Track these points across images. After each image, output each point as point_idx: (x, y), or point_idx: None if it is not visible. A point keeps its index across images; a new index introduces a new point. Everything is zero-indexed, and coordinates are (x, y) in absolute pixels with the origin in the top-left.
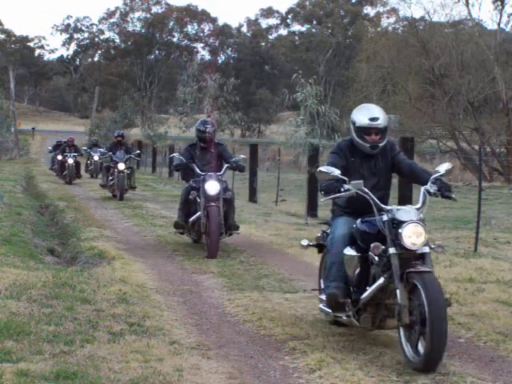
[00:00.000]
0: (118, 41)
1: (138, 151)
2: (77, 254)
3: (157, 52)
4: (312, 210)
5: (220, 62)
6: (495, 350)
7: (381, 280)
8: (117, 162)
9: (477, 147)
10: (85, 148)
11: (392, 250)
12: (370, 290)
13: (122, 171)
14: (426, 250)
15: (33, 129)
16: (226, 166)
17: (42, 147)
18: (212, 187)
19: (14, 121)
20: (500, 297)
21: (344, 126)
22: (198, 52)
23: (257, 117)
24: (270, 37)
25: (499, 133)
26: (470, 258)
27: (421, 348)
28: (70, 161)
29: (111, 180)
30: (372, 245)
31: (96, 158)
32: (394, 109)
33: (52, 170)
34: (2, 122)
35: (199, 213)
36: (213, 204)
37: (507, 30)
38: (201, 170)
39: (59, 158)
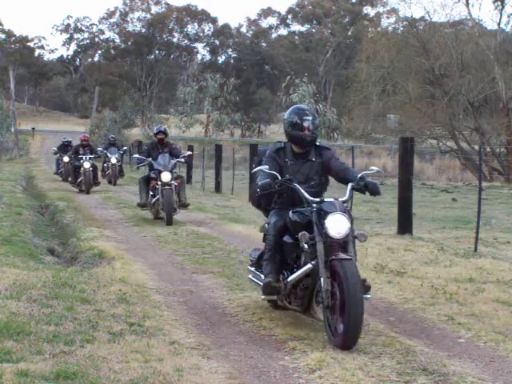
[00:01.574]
0: (118, 41)
1: (190, 152)
2: (77, 254)
3: (157, 52)
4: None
5: (220, 62)
6: (495, 350)
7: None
8: (160, 171)
9: (477, 147)
10: (100, 149)
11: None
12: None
13: (168, 184)
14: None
15: (33, 129)
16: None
17: (42, 147)
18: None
19: (14, 121)
20: (500, 297)
21: (343, 125)
22: (197, 52)
23: (257, 117)
24: (270, 37)
25: (499, 133)
26: (470, 258)
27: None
28: (87, 165)
29: (152, 196)
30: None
31: (114, 160)
32: (394, 109)
33: (58, 174)
34: (2, 122)
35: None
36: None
37: (507, 30)
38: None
39: (65, 159)
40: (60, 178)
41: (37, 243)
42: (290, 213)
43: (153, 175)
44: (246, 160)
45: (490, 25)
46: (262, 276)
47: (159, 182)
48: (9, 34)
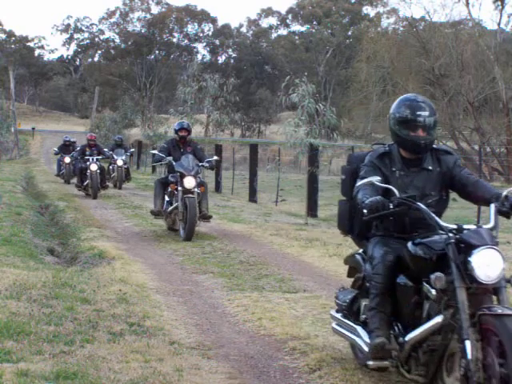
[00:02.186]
0: (118, 41)
1: (216, 157)
2: (77, 254)
3: (157, 52)
4: (312, 210)
5: (220, 62)
6: None
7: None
8: (182, 175)
9: (477, 147)
10: (106, 150)
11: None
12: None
13: (191, 191)
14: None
15: (33, 129)
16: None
17: (42, 147)
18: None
19: (14, 121)
20: None
21: (342, 125)
22: (197, 52)
23: (257, 117)
24: (270, 37)
25: (499, 133)
26: None
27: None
28: (94, 167)
29: (169, 203)
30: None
31: (120, 162)
32: None
33: (59, 176)
34: (2, 122)
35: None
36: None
37: (507, 30)
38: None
39: (66, 160)
40: (62, 180)
41: (37, 243)
42: (410, 244)
43: (172, 179)
44: (246, 160)
45: (490, 25)
46: (359, 328)
47: (180, 188)
48: (9, 33)
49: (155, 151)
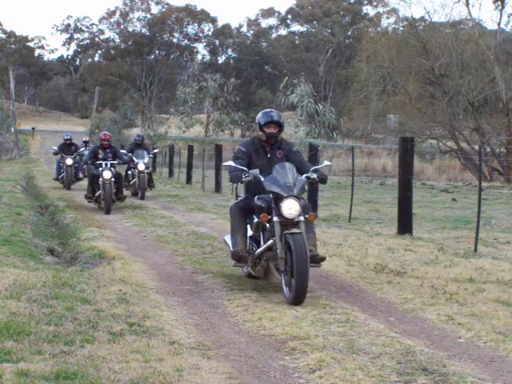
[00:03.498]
0: (117, 41)
1: (328, 162)
2: (77, 254)
3: (157, 52)
4: (312, 209)
5: (220, 62)
6: (495, 350)
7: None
8: (278, 198)
9: (477, 147)
10: (124, 152)
11: (275, 219)
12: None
13: (293, 222)
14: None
15: (33, 129)
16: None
17: (42, 147)
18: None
19: (14, 121)
20: (500, 297)
21: (342, 125)
22: (197, 52)
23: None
24: (270, 37)
25: (499, 133)
26: (469, 258)
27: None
28: (107, 174)
29: (253, 239)
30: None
31: (142, 166)
32: (393, 109)
33: (58, 180)
34: (2, 122)
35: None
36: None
37: (507, 30)
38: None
39: (68, 162)
40: (61, 184)
41: (37, 243)
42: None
43: (260, 203)
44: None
45: (490, 25)
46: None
47: (276, 219)
48: (9, 34)
49: (229, 162)
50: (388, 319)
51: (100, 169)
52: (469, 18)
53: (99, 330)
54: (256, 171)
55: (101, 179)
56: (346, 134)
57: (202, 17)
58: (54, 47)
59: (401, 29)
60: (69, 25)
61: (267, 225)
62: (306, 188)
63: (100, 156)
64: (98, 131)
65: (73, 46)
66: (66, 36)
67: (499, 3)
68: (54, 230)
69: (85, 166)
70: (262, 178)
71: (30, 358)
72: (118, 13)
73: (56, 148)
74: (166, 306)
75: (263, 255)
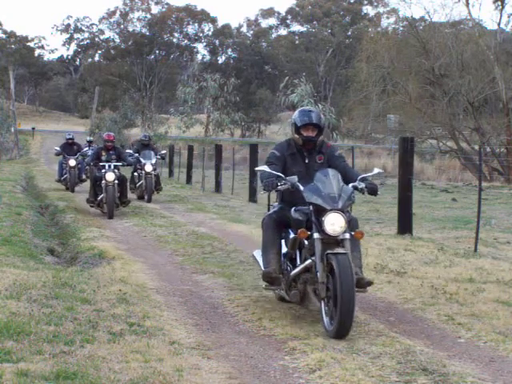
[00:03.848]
0: (117, 41)
1: (379, 170)
2: (77, 254)
3: (157, 52)
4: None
5: (220, 62)
6: (495, 350)
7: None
8: (320, 210)
9: (477, 147)
10: (130, 151)
11: (316, 235)
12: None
13: (337, 239)
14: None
15: (33, 129)
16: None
17: (41, 147)
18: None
19: (14, 121)
20: (500, 297)
21: (342, 125)
22: (197, 52)
23: (257, 117)
24: (270, 37)
25: (499, 133)
26: (470, 258)
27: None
28: (110, 177)
29: (287, 258)
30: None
31: (149, 168)
32: (393, 109)
33: (61, 182)
34: (2, 122)
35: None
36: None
37: (507, 30)
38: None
39: (71, 163)
40: (64, 186)
41: (37, 243)
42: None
43: (297, 216)
44: (246, 160)
45: (490, 25)
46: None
47: (316, 235)
48: (9, 34)
49: (263, 167)
50: (388, 319)
51: (103, 171)
52: (469, 18)
53: (99, 330)
54: (294, 178)
55: (103, 182)
56: (346, 133)
57: (202, 17)
58: (54, 47)
59: (401, 29)
60: (69, 25)
61: (305, 242)
62: (354, 200)
63: (103, 158)
64: (98, 131)
65: (73, 46)
66: (66, 36)
67: (499, 3)
68: (54, 230)
69: (87, 168)
70: (301, 187)
71: (30, 358)
72: (117, 13)
73: (58, 148)
74: (166, 306)
75: (300, 277)
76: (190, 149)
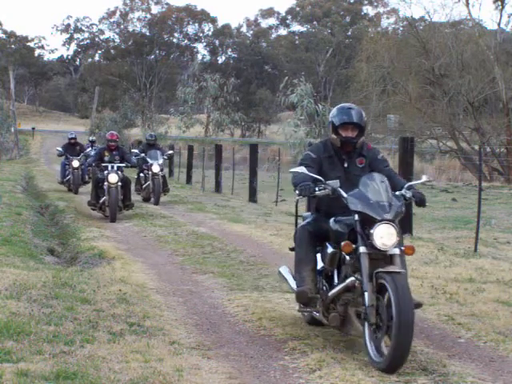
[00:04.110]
0: (118, 41)
1: (426, 177)
2: (77, 254)
3: (157, 52)
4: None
5: (220, 62)
6: (495, 350)
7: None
8: (368, 221)
9: (477, 147)
10: (136, 151)
11: (362, 250)
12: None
13: (390, 257)
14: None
15: (33, 129)
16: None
17: (41, 147)
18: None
19: (14, 121)
20: (500, 297)
21: None
22: (197, 52)
23: (257, 117)
24: (270, 37)
25: (499, 133)
26: (470, 258)
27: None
28: (113, 178)
29: (323, 276)
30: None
31: (156, 168)
32: (393, 109)
33: (64, 183)
34: (2, 122)
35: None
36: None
37: (507, 30)
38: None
39: (74, 164)
40: (66, 188)
41: (37, 243)
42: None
43: (337, 227)
44: (246, 160)
45: (490, 25)
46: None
47: (362, 250)
48: (9, 34)
49: (300, 168)
50: None
51: (105, 172)
52: (469, 18)
53: (99, 330)
54: (336, 183)
55: (106, 183)
56: None
57: (202, 17)
58: (54, 47)
59: (401, 29)
60: (69, 25)
61: (347, 257)
62: (404, 211)
63: (106, 158)
64: (98, 131)
65: (73, 46)
66: (66, 36)
67: (499, 3)
68: (54, 230)
69: (89, 168)
70: (344, 193)
71: (30, 358)
72: (117, 13)
73: (60, 149)
74: (166, 306)
75: (339, 298)
76: (190, 149)
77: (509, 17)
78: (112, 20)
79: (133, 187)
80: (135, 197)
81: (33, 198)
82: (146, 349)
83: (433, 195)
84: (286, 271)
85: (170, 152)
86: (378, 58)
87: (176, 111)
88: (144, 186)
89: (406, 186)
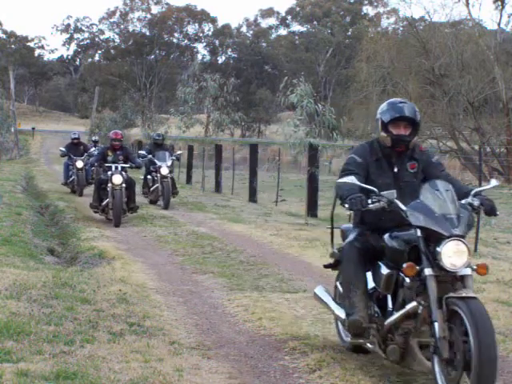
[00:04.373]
0: (118, 41)
1: (496, 182)
2: (77, 254)
3: (157, 52)
4: (312, 209)
5: (220, 62)
6: None
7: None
8: (435, 236)
9: (477, 147)
10: (143, 152)
11: (428, 272)
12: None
13: (461, 279)
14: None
15: (33, 129)
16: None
17: (41, 147)
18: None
19: (14, 121)
20: (500, 297)
21: (342, 125)
22: (197, 52)
23: (257, 117)
24: (270, 37)
25: (499, 133)
26: None
27: None
28: (117, 179)
29: (376, 302)
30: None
31: (165, 170)
32: None
33: (67, 185)
34: (2, 122)
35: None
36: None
37: (507, 30)
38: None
39: (78, 165)
40: (70, 189)
41: (37, 243)
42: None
43: (395, 245)
44: (246, 160)
45: (490, 25)
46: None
47: (428, 271)
48: (9, 34)
49: (347, 178)
50: None
51: (109, 173)
52: (469, 18)
53: (99, 330)
54: (392, 194)
55: (109, 185)
56: (346, 133)
57: (202, 17)
58: (54, 47)
59: (401, 29)
60: (69, 25)
61: (406, 279)
62: (473, 223)
63: (109, 158)
64: (98, 131)
65: (73, 46)
66: (66, 36)
67: (499, 3)
68: (54, 230)
69: (93, 169)
70: (403, 206)
71: (30, 358)
72: (118, 13)
73: (63, 149)
74: (166, 306)
75: (398, 326)
76: (190, 149)
77: (509, 17)
78: (112, 20)
79: (139, 189)
80: (140, 198)
81: (33, 197)
82: (146, 349)
83: None
84: (323, 293)
85: (179, 152)
86: (378, 57)
87: (176, 111)
88: (152, 189)
89: (472, 192)
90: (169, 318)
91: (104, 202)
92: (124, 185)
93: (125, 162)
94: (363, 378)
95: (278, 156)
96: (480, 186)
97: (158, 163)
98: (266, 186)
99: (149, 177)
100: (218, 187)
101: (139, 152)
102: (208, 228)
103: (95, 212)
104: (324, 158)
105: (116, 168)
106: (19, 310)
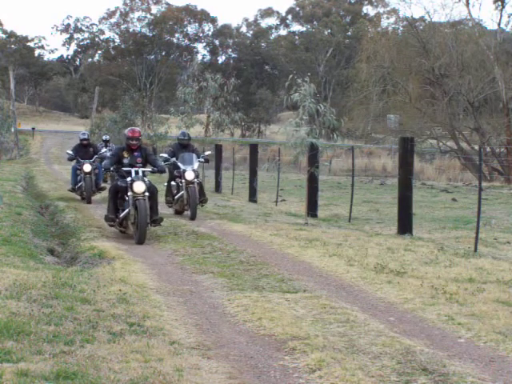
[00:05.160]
0: (118, 41)
1: None
2: (77, 254)
3: (157, 52)
4: (312, 209)
5: (220, 62)
6: (495, 350)
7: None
8: None
9: (477, 147)
10: (165, 155)
11: (129, 193)
12: (123, 213)
13: None
14: (147, 194)
15: (33, 129)
16: None
17: (42, 147)
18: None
19: (14, 121)
20: (500, 297)
21: (342, 125)
22: (197, 52)
23: (257, 117)
24: (270, 37)
25: (499, 133)
26: (469, 258)
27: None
28: (140, 187)
29: None
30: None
31: (191, 175)
32: (393, 109)
33: (75, 191)
34: (2, 122)
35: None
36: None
37: (507, 30)
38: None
39: (86, 169)
40: (79, 196)
41: (37, 243)
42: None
43: None
44: (246, 160)
45: (490, 25)
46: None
47: None
48: (9, 34)
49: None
50: (388, 319)
51: (128, 179)
52: (469, 17)
53: (99, 330)
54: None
55: (129, 193)
56: (346, 134)
57: (202, 17)
58: (54, 47)
59: (401, 29)
60: (69, 25)
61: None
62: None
63: (125, 160)
64: (98, 131)
65: (73, 46)
66: (65, 36)
67: (499, 3)
68: (54, 230)
69: (106, 173)
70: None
71: (30, 358)
72: (118, 13)
73: (70, 152)
74: (166, 306)
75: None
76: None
77: (509, 17)
78: (112, 20)
79: (162, 199)
80: (166, 209)
81: (33, 197)
82: (146, 349)
83: (433, 195)
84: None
85: (208, 153)
86: (377, 58)
87: (176, 111)
88: (176, 197)
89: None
90: (169, 317)
91: (122, 214)
92: (147, 193)
93: (144, 165)
94: (363, 378)
95: (278, 156)
96: (480, 185)
97: (183, 167)
98: (266, 186)
99: (173, 183)
100: (217, 187)
101: (161, 155)
102: (208, 228)
103: (111, 225)
104: (324, 158)
105: (137, 173)
106: (19, 310)
